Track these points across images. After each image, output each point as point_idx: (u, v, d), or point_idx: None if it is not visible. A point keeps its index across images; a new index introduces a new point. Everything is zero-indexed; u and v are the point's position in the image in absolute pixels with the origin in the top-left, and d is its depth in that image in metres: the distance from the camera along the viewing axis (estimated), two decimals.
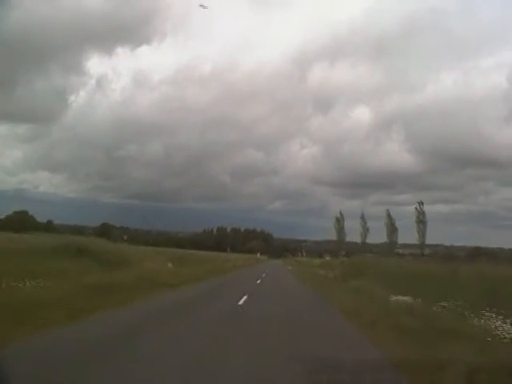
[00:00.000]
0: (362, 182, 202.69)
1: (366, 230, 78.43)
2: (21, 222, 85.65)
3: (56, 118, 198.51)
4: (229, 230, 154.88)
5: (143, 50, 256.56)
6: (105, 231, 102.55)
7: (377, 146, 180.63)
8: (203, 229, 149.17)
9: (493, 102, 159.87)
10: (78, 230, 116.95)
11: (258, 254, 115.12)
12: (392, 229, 70.64)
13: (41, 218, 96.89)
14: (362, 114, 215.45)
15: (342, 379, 4.63)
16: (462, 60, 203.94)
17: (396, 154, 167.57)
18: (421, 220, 63.91)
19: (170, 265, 23.29)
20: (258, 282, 23.29)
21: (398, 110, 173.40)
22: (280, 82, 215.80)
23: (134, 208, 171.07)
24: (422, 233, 64.31)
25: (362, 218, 79.14)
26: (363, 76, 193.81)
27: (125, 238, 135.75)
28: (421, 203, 65.37)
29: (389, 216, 71.77)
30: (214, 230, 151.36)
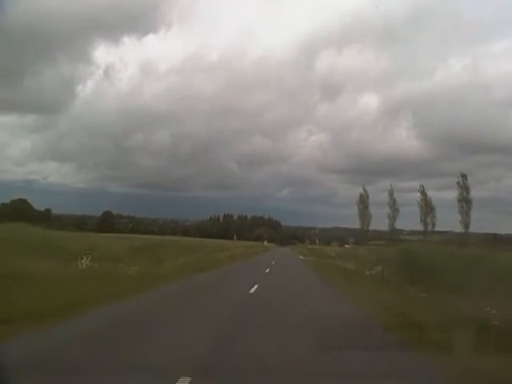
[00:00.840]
0: (369, 169, 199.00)
1: (394, 212, 55.61)
2: (16, 210, 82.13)
3: (64, 108, 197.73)
4: (235, 217, 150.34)
5: (150, 38, 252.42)
6: (107, 220, 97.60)
7: (385, 132, 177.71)
8: (209, 216, 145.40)
9: (503, 87, 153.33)
10: (80, 220, 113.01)
11: (265, 242, 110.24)
12: (426, 210, 50.54)
13: (45, 207, 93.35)
14: (370, 101, 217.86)
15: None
16: (472, 45, 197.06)
17: (404, 140, 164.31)
18: (464, 198, 46.81)
19: (84, 262, 13.67)
20: (253, 290, 12.94)
21: (406, 97, 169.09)
22: (287, 69, 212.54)
23: (142, 197, 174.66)
24: (466, 213, 47.01)
25: (391, 195, 55.47)
26: (371, 62, 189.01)
27: (130, 226, 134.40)
28: (464, 176, 47.44)
29: (423, 193, 51.77)
30: (221, 218, 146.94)
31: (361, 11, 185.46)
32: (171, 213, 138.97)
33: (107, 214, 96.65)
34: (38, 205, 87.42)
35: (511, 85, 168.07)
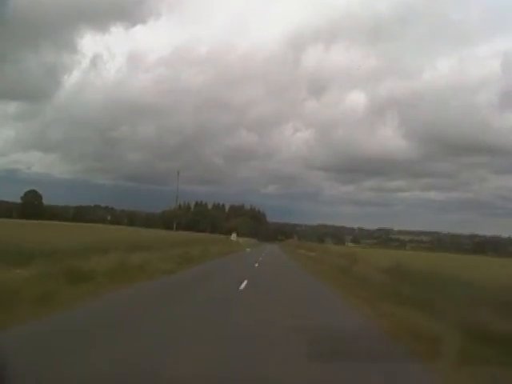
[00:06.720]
0: (355, 168, 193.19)
1: None
2: None
3: (49, 96, 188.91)
4: (210, 206, 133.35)
5: (138, 29, 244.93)
6: (30, 204, 76.22)
7: (371, 131, 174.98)
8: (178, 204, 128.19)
9: (488, 89, 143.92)
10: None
11: (234, 235, 78.76)
12: None
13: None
14: (357, 99, 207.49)
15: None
16: (458, 46, 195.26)
17: (390, 139, 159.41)
18: None
19: None
20: None
21: (393, 96, 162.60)
22: (275, 64, 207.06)
23: (125, 189, 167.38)
24: None
25: None
26: (358, 60, 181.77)
27: (108, 218, 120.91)
28: None
29: None
30: (192, 206, 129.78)
31: (349, 8, 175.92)
32: (153, 206, 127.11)
33: (31, 196, 76.79)
34: (18, 195, 74.33)
35: (496, 87, 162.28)
